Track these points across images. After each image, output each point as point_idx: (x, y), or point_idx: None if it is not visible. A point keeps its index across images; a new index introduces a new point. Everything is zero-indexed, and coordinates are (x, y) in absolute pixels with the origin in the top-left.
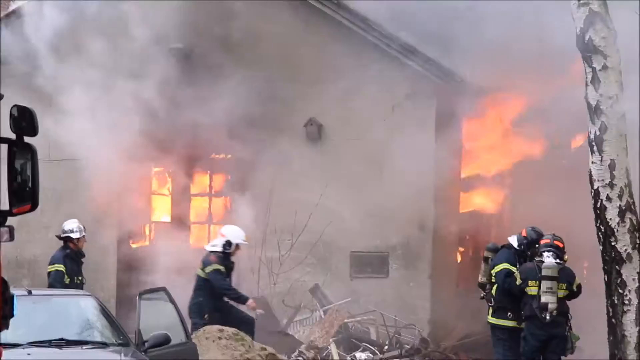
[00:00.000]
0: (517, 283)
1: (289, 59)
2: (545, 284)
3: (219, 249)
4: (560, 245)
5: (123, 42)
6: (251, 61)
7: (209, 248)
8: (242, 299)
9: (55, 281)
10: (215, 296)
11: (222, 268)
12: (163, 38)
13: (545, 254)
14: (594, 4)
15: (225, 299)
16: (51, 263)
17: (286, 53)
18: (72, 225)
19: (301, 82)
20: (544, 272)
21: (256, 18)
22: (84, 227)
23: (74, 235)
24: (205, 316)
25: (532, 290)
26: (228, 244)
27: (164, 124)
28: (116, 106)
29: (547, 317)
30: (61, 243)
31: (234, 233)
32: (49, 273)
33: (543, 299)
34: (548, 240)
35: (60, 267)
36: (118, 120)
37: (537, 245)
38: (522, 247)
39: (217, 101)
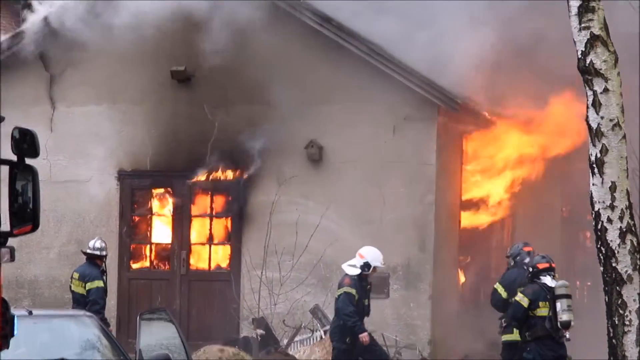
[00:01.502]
0: (525, 305)
1: (289, 81)
2: (564, 303)
3: (357, 270)
4: (554, 265)
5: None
6: (252, 83)
7: (346, 269)
8: (358, 330)
9: (98, 297)
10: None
11: (353, 291)
12: (165, 60)
13: (548, 277)
14: (595, 27)
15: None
16: (90, 280)
17: (287, 75)
18: (100, 244)
19: (302, 103)
20: (560, 292)
21: (259, 41)
22: (106, 245)
23: (103, 253)
24: (347, 340)
25: (542, 311)
26: (367, 265)
27: (163, 145)
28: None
29: (567, 336)
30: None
31: (373, 255)
32: (89, 290)
33: (565, 317)
34: (547, 265)
35: (101, 284)
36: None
37: (531, 268)
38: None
39: (220, 122)
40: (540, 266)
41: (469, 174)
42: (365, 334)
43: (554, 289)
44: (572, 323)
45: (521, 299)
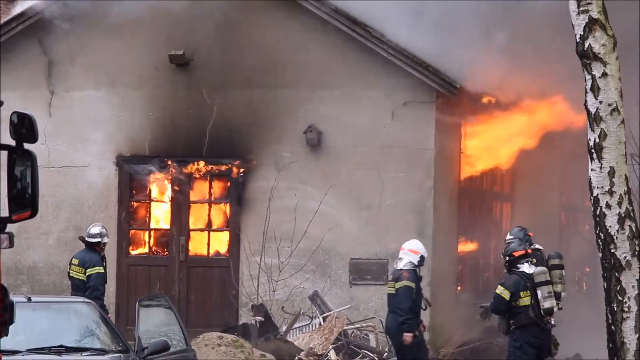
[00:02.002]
0: (507, 298)
1: (288, 66)
2: (544, 290)
3: (411, 266)
4: (530, 251)
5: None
6: (251, 67)
7: (401, 267)
8: (407, 327)
9: (98, 283)
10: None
11: (412, 285)
12: (163, 44)
13: (526, 264)
14: (593, 10)
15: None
16: (90, 266)
17: (285, 59)
18: (99, 230)
19: (301, 88)
20: (539, 279)
21: (257, 25)
22: (107, 231)
23: (103, 240)
24: (417, 333)
25: (524, 300)
26: (422, 259)
27: (162, 130)
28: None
29: (553, 322)
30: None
31: (423, 247)
32: (89, 276)
33: (547, 305)
34: (523, 252)
35: (101, 270)
36: (118, 126)
37: (507, 257)
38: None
39: (218, 107)
40: (516, 254)
41: (467, 158)
42: (411, 334)
43: (533, 277)
44: (555, 309)
45: (502, 291)
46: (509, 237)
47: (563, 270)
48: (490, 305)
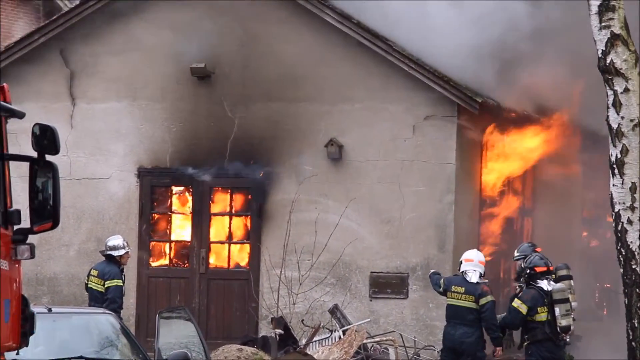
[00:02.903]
0: (524, 312)
1: (309, 79)
2: (562, 308)
3: (479, 277)
4: (552, 268)
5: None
6: (272, 80)
7: (476, 280)
8: (499, 342)
9: (117, 296)
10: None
11: (494, 300)
12: (185, 57)
13: (545, 281)
14: (615, 26)
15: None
16: (109, 278)
17: (306, 73)
18: (117, 242)
19: (322, 102)
20: (557, 297)
21: (279, 39)
22: (127, 243)
23: (119, 252)
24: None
25: (541, 316)
26: (484, 270)
27: (183, 142)
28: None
29: (568, 339)
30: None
31: (484, 258)
32: (108, 288)
33: (564, 323)
34: (545, 268)
35: (120, 283)
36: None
37: (528, 270)
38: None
39: (240, 120)
40: (538, 269)
41: (489, 173)
42: (500, 349)
43: (552, 293)
44: (572, 327)
45: (519, 305)
46: (517, 253)
47: (572, 281)
48: (504, 319)
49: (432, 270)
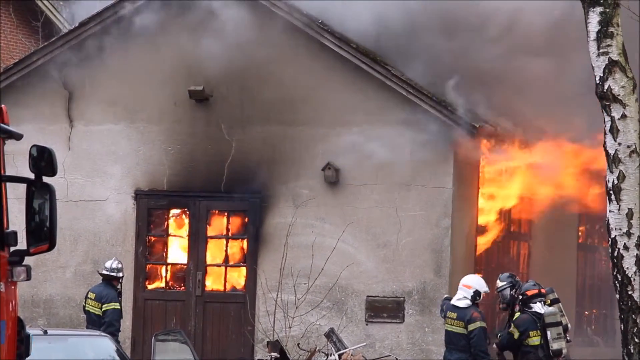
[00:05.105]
0: (516, 337)
1: (306, 102)
2: (554, 331)
3: (468, 301)
4: (544, 291)
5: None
6: (270, 103)
7: (457, 303)
8: None
9: (114, 319)
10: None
11: (485, 325)
12: (182, 79)
13: (538, 304)
14: (613, 52)
15: None
16: (107, 301)
17: (304, 96)
18: (117, 264)
19: (319, 125)
20: (549, 320)
21: (277, 62)
22: (122, 266)
23: (119, 275)
24: None
25: (534, 340)
26: (477, 294)
27: (180, 165)
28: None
29: None
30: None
31: (480, 282)
32: (105, 311)
33: (556, 346)
34: (536, 291)
35: (117, 306)
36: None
37: (521, 296)
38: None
39: (237, 143)
40: (530, 293)
41: (485, 198)
42: None
43: (544, 317)
44: (564, 351)
45: (512, 329)
46: (500, 283)
47: (560, 304)
48: (502, 340)
49: (446, 295)
